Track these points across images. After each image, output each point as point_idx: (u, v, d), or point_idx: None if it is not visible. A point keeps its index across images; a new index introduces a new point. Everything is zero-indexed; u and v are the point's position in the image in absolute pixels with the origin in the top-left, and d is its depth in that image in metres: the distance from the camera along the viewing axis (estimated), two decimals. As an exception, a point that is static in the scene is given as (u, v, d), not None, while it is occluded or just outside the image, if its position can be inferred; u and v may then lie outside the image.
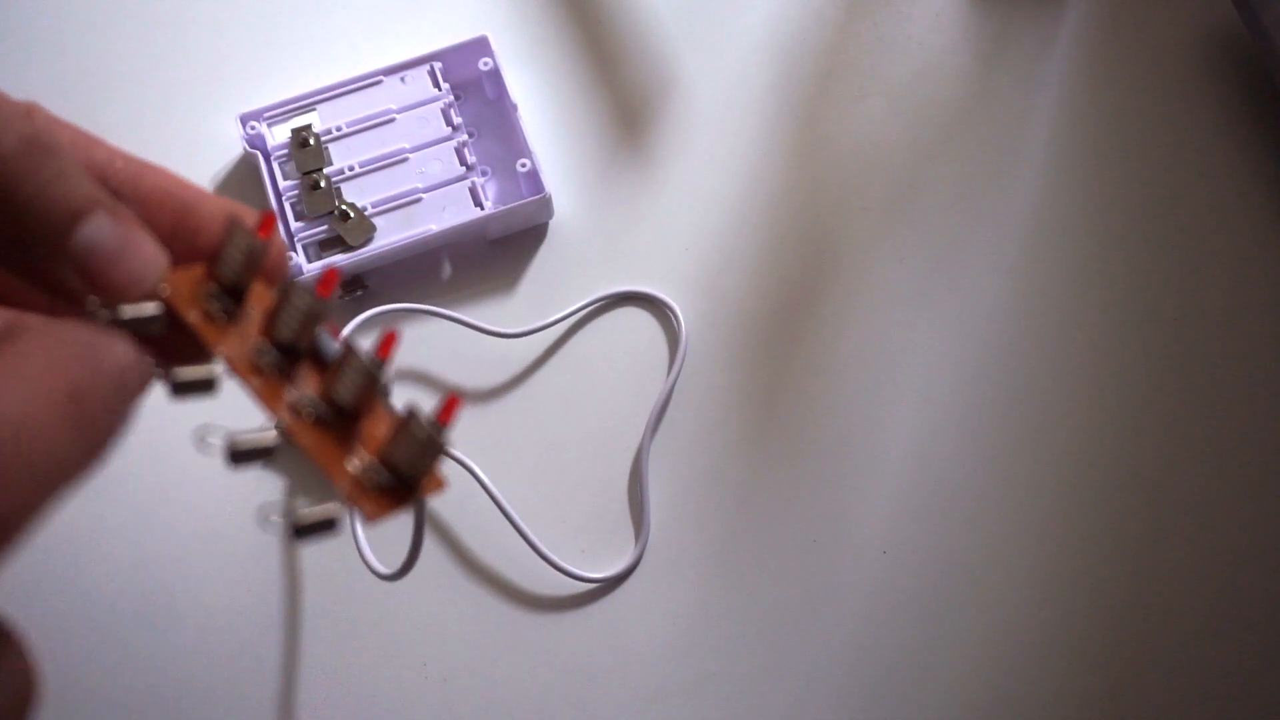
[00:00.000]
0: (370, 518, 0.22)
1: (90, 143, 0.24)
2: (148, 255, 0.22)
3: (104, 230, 0.21)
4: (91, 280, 0.21)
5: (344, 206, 0.50)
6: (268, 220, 0.23)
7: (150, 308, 0.22)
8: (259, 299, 0.24)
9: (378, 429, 0.23)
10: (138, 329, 0.22)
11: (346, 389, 0.23)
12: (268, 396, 0.22)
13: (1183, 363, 0.49)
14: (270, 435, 0.22)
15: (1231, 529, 0.46)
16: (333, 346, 0.23)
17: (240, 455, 0.22)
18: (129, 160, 0.24)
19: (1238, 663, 0.45)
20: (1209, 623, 0.45)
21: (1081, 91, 0.54)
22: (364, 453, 0.22)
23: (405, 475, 0.22)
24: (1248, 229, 0.51)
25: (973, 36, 0.55)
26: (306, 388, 0.23)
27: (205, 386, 0.22)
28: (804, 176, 0.53)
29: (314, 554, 0.47)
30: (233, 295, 0.23)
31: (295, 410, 0.22)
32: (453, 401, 0.22)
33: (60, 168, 0.21)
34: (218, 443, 0.22)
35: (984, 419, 0.48)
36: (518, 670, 0.45)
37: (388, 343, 0.23)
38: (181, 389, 0.22)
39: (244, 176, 0.53)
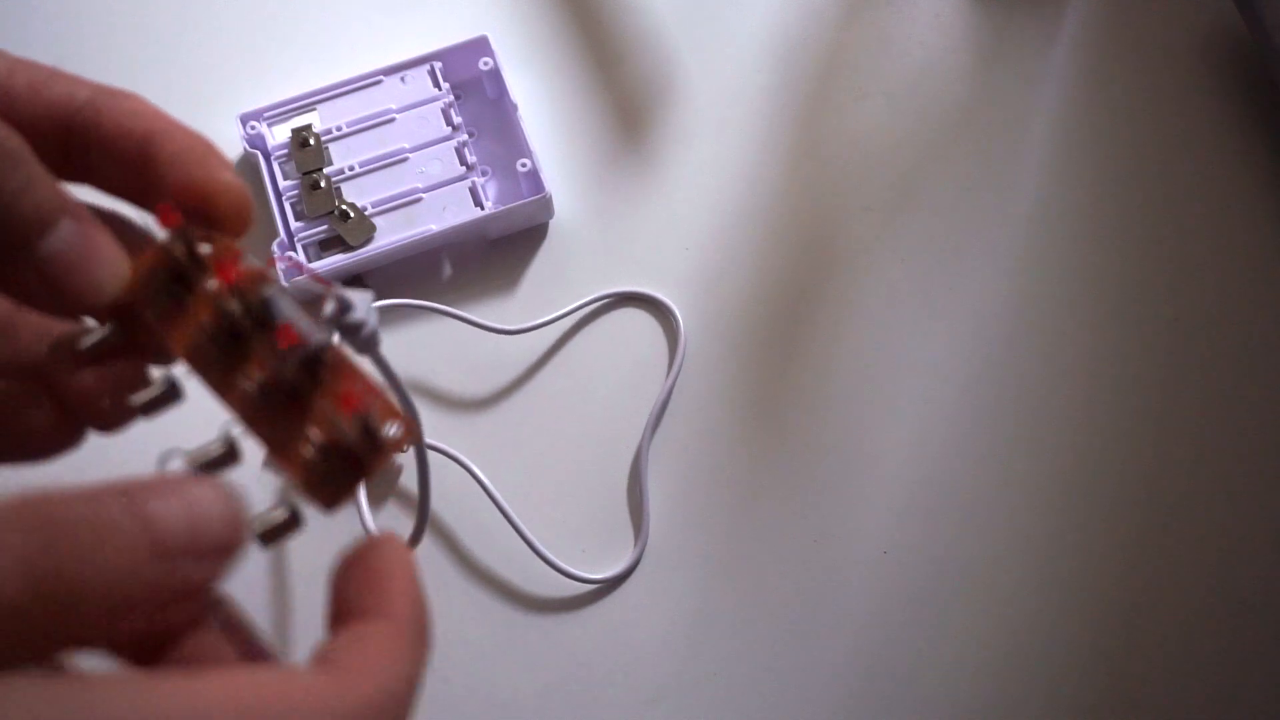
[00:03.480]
0: (327, 507, 0.21)
1: (50, 78, 0.24)
2: (108, 259, 0.22)
3: (68, 239, 0.22)
4: (55, 289, 0.22)
5: (344, 206, 0.50)
6: (164, 213, 0.22)
7: (98, 332, 0.23)
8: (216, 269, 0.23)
9: (326, 401, 0.22)
10: (98, 352, 0.22)
11: (289, 364, 0.22)
12: (221, 390, 0.22)
13: (1182, 362, 0.49)
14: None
15: (1231, 528, 0.46)
16: (280, 305, 0.22)
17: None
18: (95, 91, 0.24)
19: (1237, 662, 0.45)
20: (1208, 622, 0.45)
21: (1081, 91, 0.54)
22: (316, 433, 0.21)
23: (359, 449, 0.21)
24: (1248, 229, 0.51)
25: (973, 36, 0.55)
26: (255, 371, 0.22)
27: (167, 399, 0.22)
28: (804, 176, 0.53)
29: (313, 553, 0.47)
30: (184, 278, 0.23)
31: (247, 402, 0.22)
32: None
33: (28, 176, 0.22)
34: (178, 465, 0.21)
35: (984, 419, 0.48)
36: (518, 671, 0.45)
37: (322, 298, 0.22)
38: (147, 409, 0.22)
39: (244, 176, 0.52)
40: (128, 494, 0.18)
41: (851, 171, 0.53)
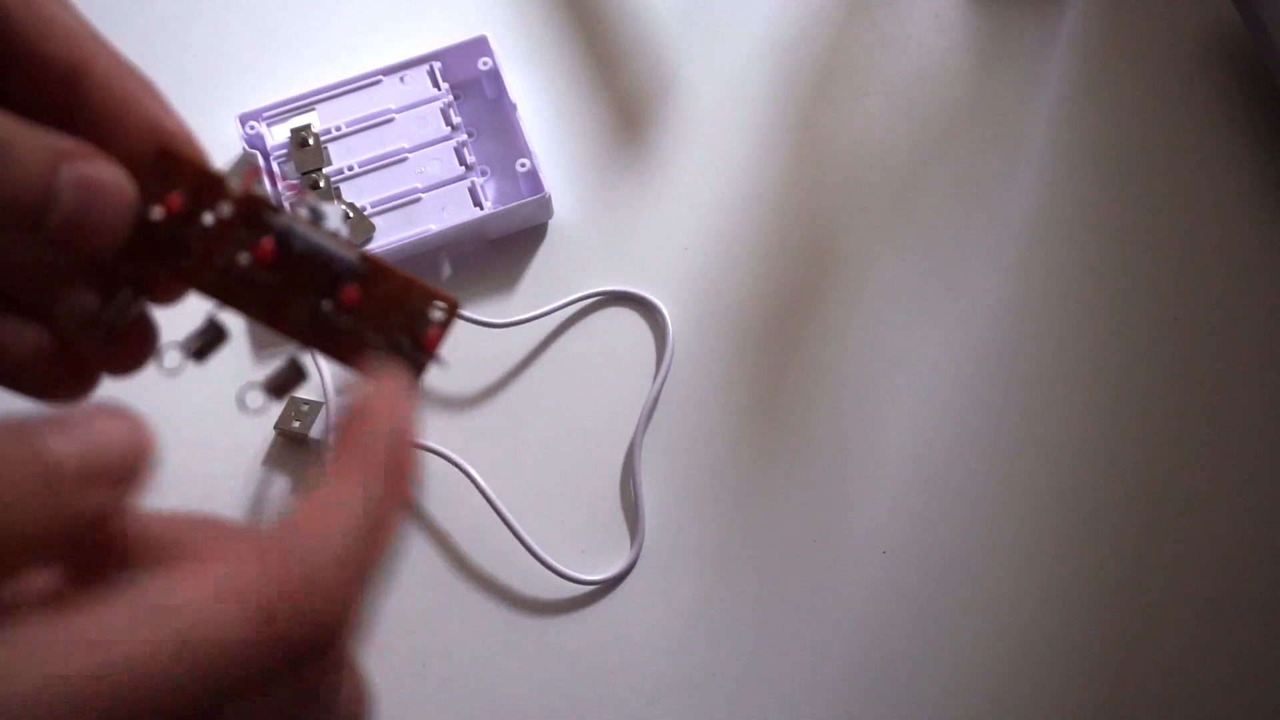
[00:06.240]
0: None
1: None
2: (115, 198, 0.20)
3: (72, 198, 0.20)
4: (66, 253, 0.20)
5: (343, 206, 0.50)
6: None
7: (123, 300, 0.22)
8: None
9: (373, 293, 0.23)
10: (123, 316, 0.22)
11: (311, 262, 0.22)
12: (271, 321, 0.23)
13: (1182, 362, 0.49)
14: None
15: (1231, 528, 0.46)
16: (298, 234, 0.22)
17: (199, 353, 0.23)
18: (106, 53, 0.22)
19: (1237, 663, 0.44)
20: (1209, 623, 0.45)
21: (1081, 91, 0.54)
22: (375, 336, 0.23)
23: (417, 335, 0.23)
24: (1247, 229, 0.51)
25: (972, 36, 0.55)
26: (302, 299, 0.23)
27: (217, 341, 0.23)
28: (803, 176, 0.53)
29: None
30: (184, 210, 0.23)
31: (300, 328, 0.23)
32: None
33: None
34: (257, 403, 0.23)
35: (983, 419, 0.48)
36: (518, 672, 0.45)
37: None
38: (200, 354, 0.23)
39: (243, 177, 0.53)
40: (23, 430, 0.17)
41: (849, 171, 0.53)
